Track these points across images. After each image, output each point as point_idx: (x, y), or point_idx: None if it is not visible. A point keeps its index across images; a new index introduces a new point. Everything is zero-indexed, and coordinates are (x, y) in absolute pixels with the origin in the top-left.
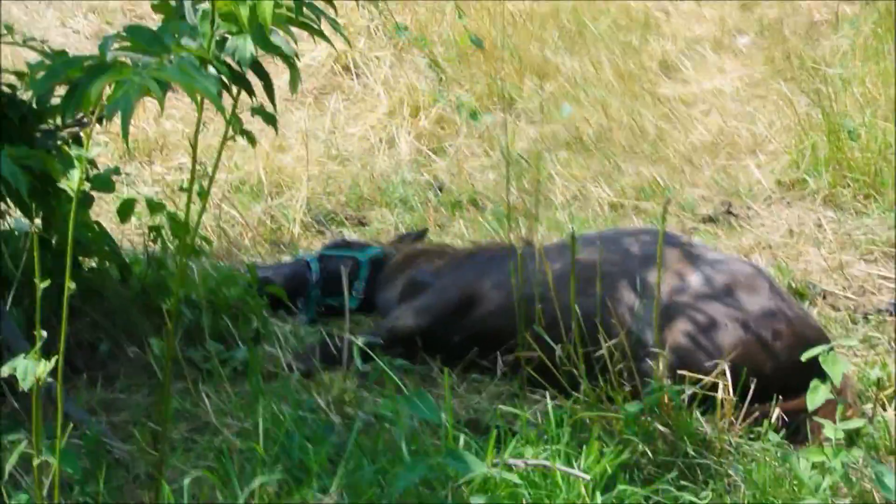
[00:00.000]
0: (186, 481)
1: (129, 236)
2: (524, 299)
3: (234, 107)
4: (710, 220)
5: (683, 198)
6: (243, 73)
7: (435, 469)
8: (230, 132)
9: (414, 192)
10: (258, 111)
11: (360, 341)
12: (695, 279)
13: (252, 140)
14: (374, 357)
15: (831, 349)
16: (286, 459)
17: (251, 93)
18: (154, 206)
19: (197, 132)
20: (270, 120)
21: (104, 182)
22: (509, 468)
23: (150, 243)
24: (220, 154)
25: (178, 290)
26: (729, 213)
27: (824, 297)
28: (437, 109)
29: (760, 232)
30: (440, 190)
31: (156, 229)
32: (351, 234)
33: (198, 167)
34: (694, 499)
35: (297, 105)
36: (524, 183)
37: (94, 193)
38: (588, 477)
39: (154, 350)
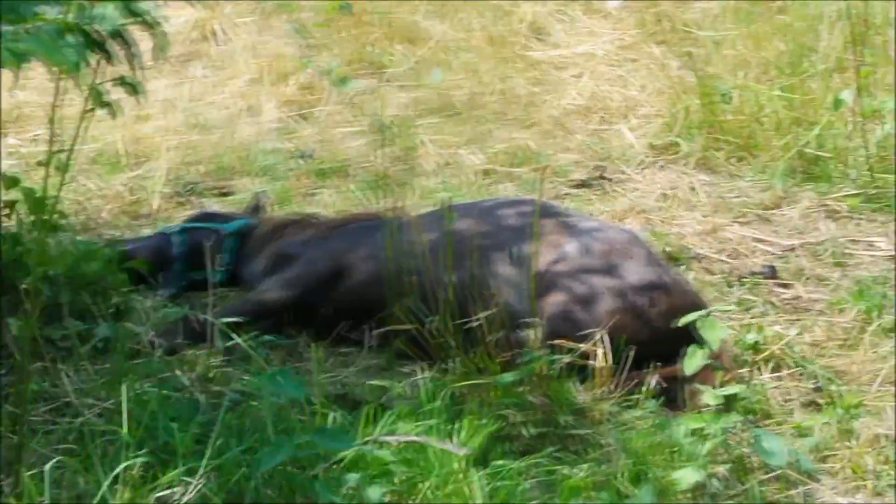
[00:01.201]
0: (47, 467)
1: None
2: (396, 270)
3: (95, 77)
4: (584, 185)
5: (556, 163)
6: (104, 42)
7: (304, 447)
8: (90, 104)
9: (279, 160)
10: (124, 81)
11: (224, 317)
12: (571, 249)
13: (114, 112)
14: (237, 334)
15: (708, 314)
16: (151, 441)
17: (110, 61)
18: (10, 181)
19: (55, 103)
20: (135, 89)
21: None
22: (381, 445)
23: (6, 219)
24: (80, 127)
25: (37, 267)
26: (602, 177)
27: (699, 261)
28: (303, 76)
29: (634, 196)
30: (308, 157)
31: (11, 205)
32: (214, 205)
33: (55, 139)
34: (570, 470)
35: (157, 73)
36: (394, 150)
37: None
38: (464, 451)
39: (12, 330)
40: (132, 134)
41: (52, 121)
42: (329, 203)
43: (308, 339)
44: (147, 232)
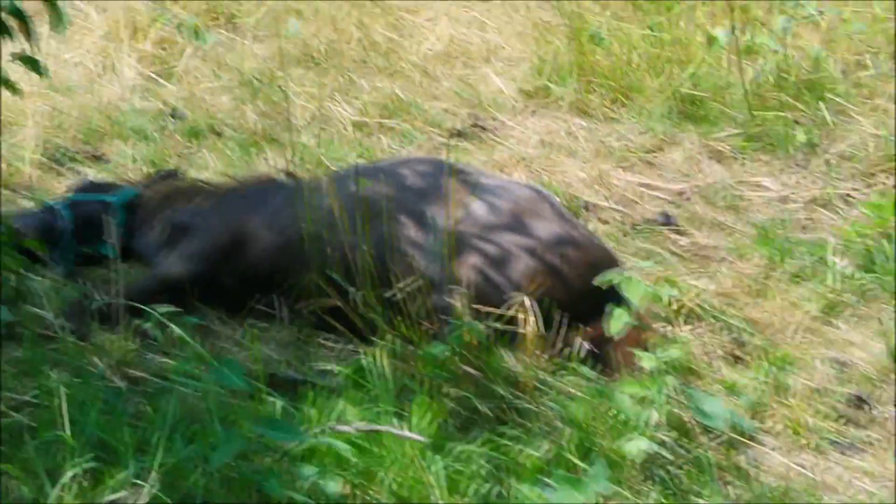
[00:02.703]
0: None
1: None
2: (304, 238)
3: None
4: (460, 134)
5: (428, 113)
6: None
7: (254, 441)
8: None
9: (148, 120)
10: (23, 58)
11: (129, 297)
12: (478, 208)
13: (16, 90)
14: (143, 314)
15: (628, 273)
16: (81, 436)
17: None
18: None
19: None
20: (35, 67)
21: None
22: (334, 434)
23: None
24: None
25: None
26: (476, 125)
27: (589, 210)
28: (157, 31)
29: (512, 144)
30: (174, 116)
31: None
32: (90, 172)
33: None
34: (520, 448)
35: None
36: (259, 105)
37: None
38: (424, 438)
39: None
40: None
41: None
42: (206, 165)
43: (216, 314)
44: (27, 205)
